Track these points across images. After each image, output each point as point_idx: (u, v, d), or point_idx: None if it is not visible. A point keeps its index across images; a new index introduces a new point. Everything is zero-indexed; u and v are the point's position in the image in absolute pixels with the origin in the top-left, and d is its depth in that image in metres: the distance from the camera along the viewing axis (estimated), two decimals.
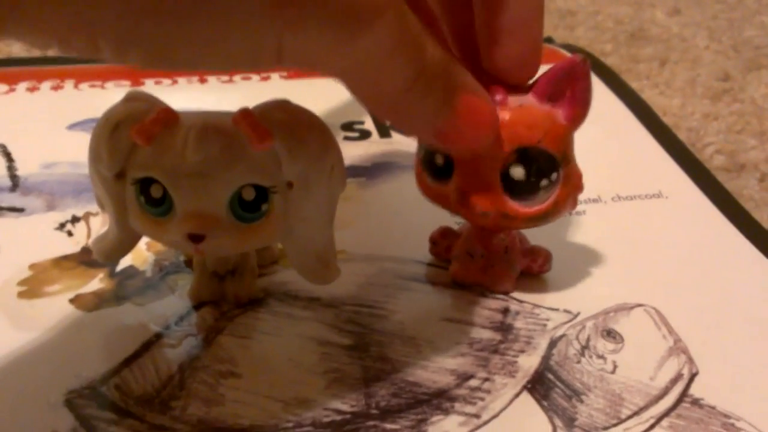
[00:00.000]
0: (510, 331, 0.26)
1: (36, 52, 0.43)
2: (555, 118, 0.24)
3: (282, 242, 0.24)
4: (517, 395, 0.23)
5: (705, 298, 0.28)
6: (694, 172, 0.35)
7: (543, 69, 0.24)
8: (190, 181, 0.22)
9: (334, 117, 0.38)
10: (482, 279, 0.27)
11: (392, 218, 0.31)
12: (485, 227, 0.26)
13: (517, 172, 0.24)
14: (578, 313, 0.26)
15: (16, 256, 0.28)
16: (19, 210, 0.30)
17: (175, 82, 0.41)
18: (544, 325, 0.26)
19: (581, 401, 0.23)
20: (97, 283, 0.27)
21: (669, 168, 0.36)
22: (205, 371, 0.24)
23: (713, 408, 0.23)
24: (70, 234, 0.29)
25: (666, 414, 0.23)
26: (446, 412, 0.23)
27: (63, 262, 0.28)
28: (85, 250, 0.28)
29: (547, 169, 0.24)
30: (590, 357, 0.25)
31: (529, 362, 0.24)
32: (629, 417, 0.23)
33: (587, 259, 0.29)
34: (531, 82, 0.24)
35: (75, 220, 0.30)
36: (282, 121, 0.22)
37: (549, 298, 0.27)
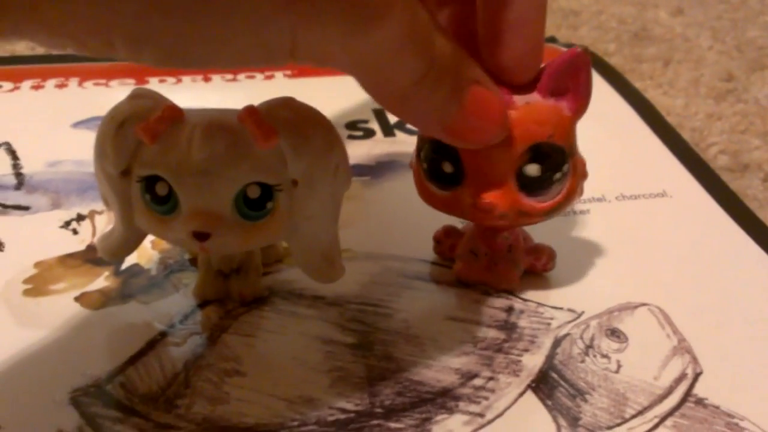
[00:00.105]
0: (514, 330, 0.26)
1: (40, 50, 0.43)
2: (561, 112, 0.24)
3: (287, 240, 0.24)
4: (521, 394, 0.23)
5: (709, 297, 0.28)
6: (698, 171, 0.35)
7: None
8: (196, 179, 0.22)
9: (339, 116, 0.38)
10: (486, 277, 0.27)
11: (396, 217, 0.31)
12: (497, 227, 0.26)
13: (533, 169, 0.24)
14: (582, 312, 0.26)
15: (22, 254, 0.28)
16: (24, 208, 0.30)
17: (179, 80, 0.41)
18: (549, 324, 0.26)
19: (585, 400, 0.23)
20: (102, 281, 0.27)
21: (673, 167, 0.36)
22: (209, 369, 0.24)
23: (717, 407, 0.23)
24: (75, 232, 0.29)
25: (670, 413, 0.23)
26: (450, 411, 0.23)
27: (68, 260, 0.28)
28: (90, 248, 0.28)
29: (560, 162, 0.24)
30: (594, 356, 0.25)
31: (533, 361, 0.24)
32: (633, 416, 0.23)
33: (591, 258, 0.29)
34: (532, 78, 0.24)
35: (80, 218, 0.30)
36: (287, 119, 0.22)
37: (553, 297, 0.27)
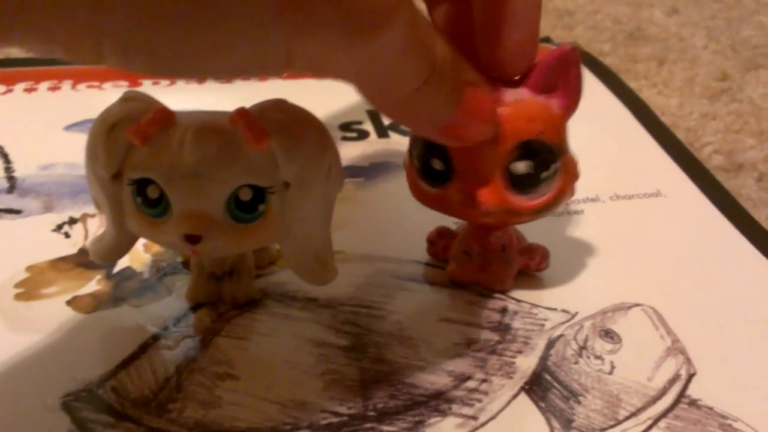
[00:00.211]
0: (508, 332, 0.26)
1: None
2: (551, 109, 0.24)
3: (279, 243, 0.24)
4: (514, 396, 0.23)
5: (703, 297, 0.28)
6: (693, 171, 0.35)
7: None
8: (187, 182, 0.22)
9: (332, 117, 0.38)
10: (480, 278, 0.27)
11: (390, 218, 0.31)
12: (489, 225, 0.26)
13: (521, 166, 0.24)
14: (576, 313, 0.26)
15: (13, 257, 0.28)
16: (16, 212, 0.30)
17: (172, 82, 0.41)
18: (542, 325, 0.26)
19: (579, 402, 0.23)
20: (94, 284, 0.27)
21: (667, 167, 0.36)
22: (202, 373, 0.23)
23: (711, 409, 0.23)
24: (67, 235, 0.29)
25: (663, 415, 0.23)
26: (444, 413, 0.23)
27: (60, 263, 0.28)
28: (83, 252, 0.28)
29: (548, 161, 0.24)
30: (588, 357, 0.25)
31: (526, 363, 0.24)
32: (627, 418, 0.23)
33: (585, 258, 0.29)
34: (522, 75, 0.24)
35: (72, 221, 0.30)
36: (279, 121, 0.22)
37: (547, 298, 0.27)
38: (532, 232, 0.28)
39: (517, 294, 0.27)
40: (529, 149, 0.24)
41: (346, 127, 0.37)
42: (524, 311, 0.26)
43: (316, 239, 0.24)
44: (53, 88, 0.40)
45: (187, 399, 0.23)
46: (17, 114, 0.38)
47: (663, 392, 0.23)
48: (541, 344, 0.25)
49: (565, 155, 0.24)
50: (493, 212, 0.24)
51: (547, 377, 0.24)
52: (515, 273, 0.27)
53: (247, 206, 0.22)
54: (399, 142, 0.36)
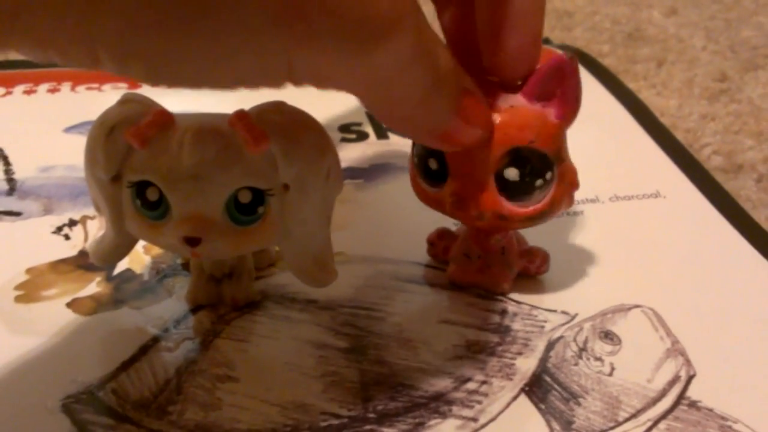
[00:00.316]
0: (508, 333, 0.26)
1: None
2: (546, 118, 0.24)
3: (279, 245, 0.24)
4: (514, 398, 0.23)
5: (703, 298, 0.28)
6: (692, 172, 0.35)
7: None
8: (186, 184, 0.22)
9: (332, 119, 0.38)
10: (479, 280, 0.27)
11: (389, 220, 0.31)
12: (482, 229, 0.26)
13: (511, 173, 0.24)
14: (576, 315, 0.26)
15: (13, 260, 0.28)
16: (16, 214, 0.30)
17: None
18: (542, 327, 0.26)
19: (578, 404, 0.23)
20: (94, 286, 0.27)
21: (667, 168, 0.36)
22: (202, 375, 0.23)
23: (711, 410, 0.23)
24: (67, 238, 0.29)
25: (663, 416, 0.23)
26: (444, 415, 0.23)
27: (60, 265, 0.28)
28: (82, 254, 0.28)
29: (541, 169, 0.24)
30: (588, 359, 0.25)
31: (526, 365, 0.24)
32: (626, 420, 0.23)
33: (585, 259, 0.29)
34: (520, 83, 0.24)
35: (72, 223, 0.30)
36: (278, 123, 0.22)
37: (546, 300, 0.27)
38: (531, 234, 0.28)
39: (517, 296, 0.27)
40: (519, 157, 0.23)
41: (345, 128, 0.37)
42: (524, 313, 0.26)
43: (316, 241, 0.24)
44: (53, 90, 0.40)
45: (188, 401, 0.23)
46: (17, 116, 0.38)
47: (663, 394, 0.23)
48: (540, 346, 0.25)
49: (562, 164, 0.24)
50: (483, 216, 0.24)
51: (547, 379, 0.24)
52: (515, 275, 0.27)
53: (247, 208, 0.22)
54: (398, 144, 0.36)
